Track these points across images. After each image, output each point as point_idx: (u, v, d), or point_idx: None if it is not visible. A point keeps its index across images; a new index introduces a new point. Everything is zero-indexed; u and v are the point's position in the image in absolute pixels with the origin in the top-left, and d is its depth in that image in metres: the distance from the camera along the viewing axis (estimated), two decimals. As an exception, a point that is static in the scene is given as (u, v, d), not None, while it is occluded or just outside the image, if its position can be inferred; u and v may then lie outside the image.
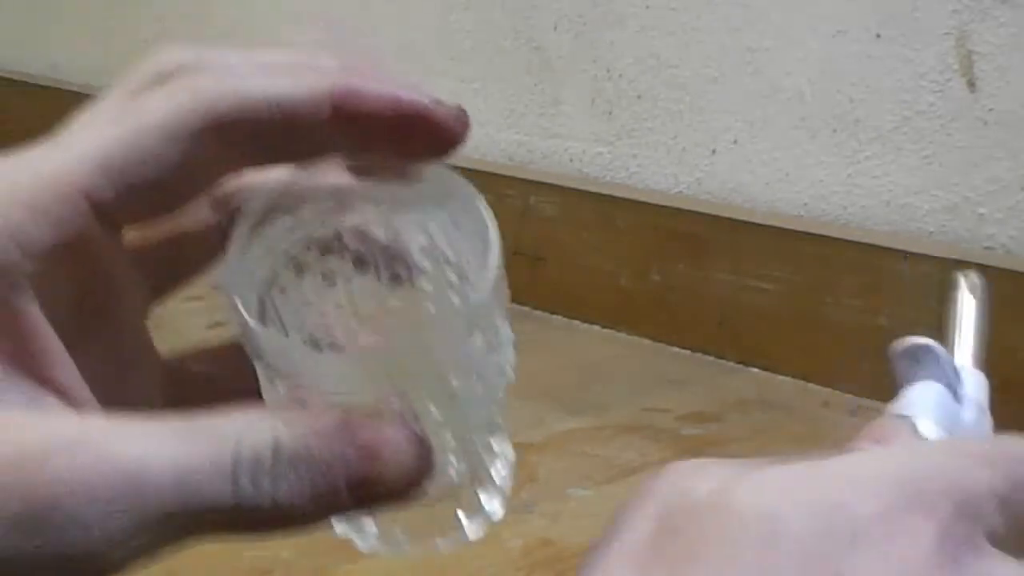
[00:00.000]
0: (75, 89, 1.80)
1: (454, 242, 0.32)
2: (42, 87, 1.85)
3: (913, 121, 1.05)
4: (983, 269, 1.00)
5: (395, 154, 0.32)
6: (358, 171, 0.32)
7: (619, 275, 1.23)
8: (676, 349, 1.18)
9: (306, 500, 0.27)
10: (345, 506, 0.28)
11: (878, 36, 1.06)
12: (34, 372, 0.28)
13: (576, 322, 1.25)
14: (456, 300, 0.32)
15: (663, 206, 1.20)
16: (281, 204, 0.31)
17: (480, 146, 1.37)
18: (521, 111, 1.33)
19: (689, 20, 1.18)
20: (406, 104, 0.31)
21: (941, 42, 1.03)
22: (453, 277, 0.32)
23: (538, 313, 1.27)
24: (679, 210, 1.19)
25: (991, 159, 1.02)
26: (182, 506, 0.26)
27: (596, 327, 1.24)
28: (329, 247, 0.32)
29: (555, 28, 1.28)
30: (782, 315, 1.11)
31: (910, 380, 0.41)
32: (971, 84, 1.02)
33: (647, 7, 1.21)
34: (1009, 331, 0.99)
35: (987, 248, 1.03)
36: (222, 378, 0.33)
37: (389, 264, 0.32)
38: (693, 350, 1.17)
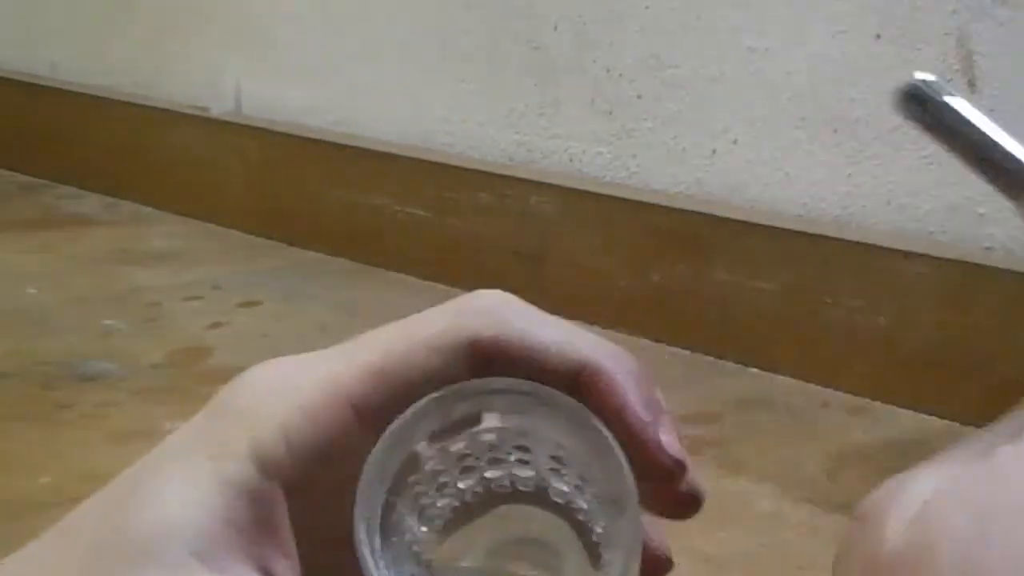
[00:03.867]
0: (75, 89, 1.80)
1: (590, 464, 0.32)
2: (42, 87, 1.85)
3: (913, 121, 1.05)
4: (983, 269, 1.01)
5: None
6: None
7: (619, 275, 1.23)
8: (676, 349, 1.18)
9: None
10: None
11: (878, 36, 1.06)
12: (257, 559, 0.29)
13: (576, 322, 1.25)
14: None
15: (663, 206, 1.20)
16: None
17: (480, 146, 1.37)
18: (521, 111, 1.33)
19: (689, 20, 1.18)
20: (632, 422, 0.32)
21: (941, 42, 1.03)
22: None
23: (538, 313, 1.27)
24: (679, 210, 1.19)
25: (991, 159, 1.02)
26: None
27: (596, 327, 1.24)
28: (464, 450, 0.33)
29: (555, 28, 1.28)
30: (782, 315, 1.11)
31: None
32: (971, 84, 1.02)
33: (647, 7, 1.21)
34: (1010, 331, 0.99)
35: (987, 248, 1.03)
36: None
37: (520, 461, 0.33)
38: (693, 350, 1.17)
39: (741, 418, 1.02)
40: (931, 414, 1.02)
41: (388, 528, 0.30)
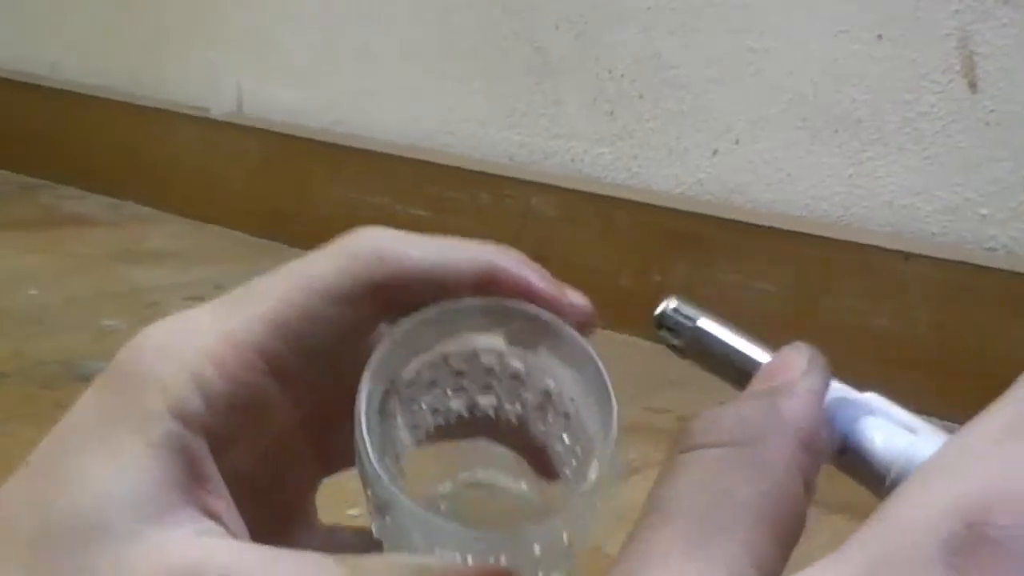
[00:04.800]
0: (75, 89, 1.80)
1: (578, 402, 0.34)
2: (42, 87, 1.85)
3: (915, 122, 1.05)
4: (984, 270, 1.01)
5: None
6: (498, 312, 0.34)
7: (619, 275, 1.22)
8: (677, 350, 1.18)
9: None
10: None
11: (880, 37, 1.06)
12: (201, 506, 0.30)
13: (577, 323, 1.25)
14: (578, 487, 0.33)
15: (664, 207, 1.20)
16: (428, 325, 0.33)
17: (481, 146, 1.37)
18: (522, 111, 1.33)
19: (690, 20, 1.18)
20: (538, 294, 0.34)
21: (943, 43, 1.03)
22: (567, 442, 0.34)
23: (539, 313, 1.27)
24: (680, 211, 1.19)
25: (993, 160, 1.02)
26: None
27: (596, 327, 1.23)
28: (462, 367, 0.34)
29: (556, 28, 1.28)
30: (782, 315, 1.11)
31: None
32: (973, 85, 1.02)
33: (648, 7, 1.21)
34: (1010, 331, 0.99)
35: (988, 249, 1.03)
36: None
37: (511, 392, 0.34)
38: (694, 351, 1.17)
39: (742, 419, 1.02)
40: (931, 414, 1.01)
41: (380, 418, 0.31)
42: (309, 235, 1.69)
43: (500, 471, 0.35)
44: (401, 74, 1.44)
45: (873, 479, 0.28)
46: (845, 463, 0.29)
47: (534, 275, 0.35)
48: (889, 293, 1.05)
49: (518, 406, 0.34)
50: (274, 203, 1.55)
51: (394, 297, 0.33)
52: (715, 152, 1.18)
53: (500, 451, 0.34)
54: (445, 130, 1.40)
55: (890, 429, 0.30)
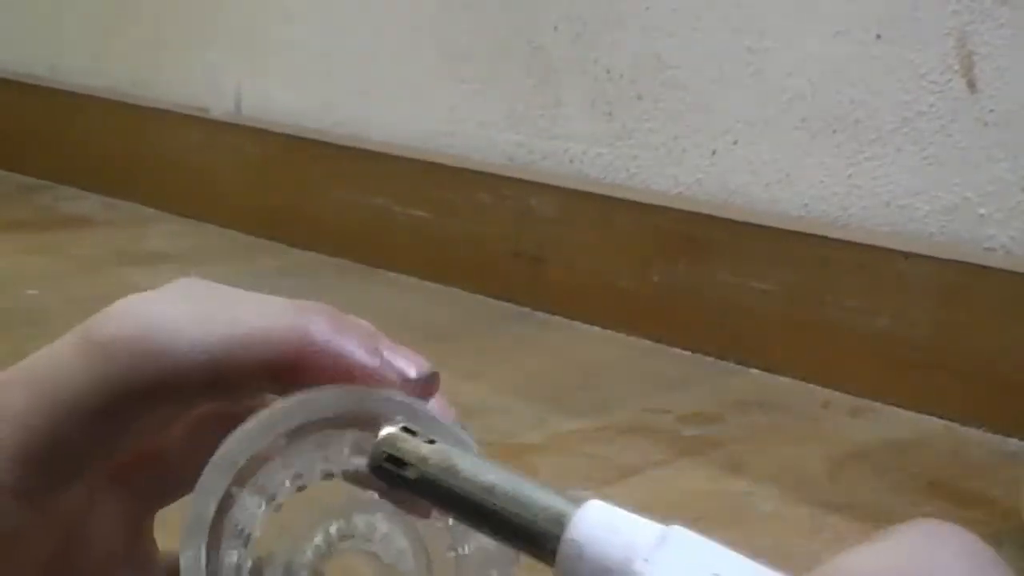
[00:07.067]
0: (75, 89, 1.80)
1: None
2: (42, 87, 1.85)
3: (913, 122, 1.05)
4: (983, 269, 1.01)
5: None
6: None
7: (619, 275, 1.23)
8: (676, 349, 1.18)
9: None
10: None
11: (878, 37, 1.06)
12: None
13: (576, 323, 1.25)
14: None
15: (663, 207, 1.20)
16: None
17: (480, 147, 1.37)
18: (521, 112, 1.33)
19: (689, 21, 1.18)
20: (357, 372, 0.28)
21: (941, 43, 1.03)
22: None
23: (538, 314, 1.27)
24: (679, 211, 1.19)
25: (991, 160, 1.02)
26: None
27: (596, 328, 1.24)
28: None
29: (555, 29, 1.28)
30: (782, 315, 1.11)
31: None
32: (971, 85, 1.02)
33: (647, 8, 1.21)
34: (1009, 331, 0.99)
35: (987, 249, 1.03)
36: None
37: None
38: (693, 350, 1.17)
39: (741, 419, 1.02)
40: (931, 414, 1.02)
41: (220, 517, 0.27)
42: (309, 235, 1.70)
43: (376, 517, 0.30)
44: (401, 74, 1.44)
45: None
46: None
47: (350, 343, 0.28)
48: (888, 293, 1.05)
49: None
50: (274, 203, 1.55)
51: (168, 394, 0.28)
52: (714, 152, 1.19)
53: (375, 497, 0.30)
54: (445, 130, 1.40)
55: None
